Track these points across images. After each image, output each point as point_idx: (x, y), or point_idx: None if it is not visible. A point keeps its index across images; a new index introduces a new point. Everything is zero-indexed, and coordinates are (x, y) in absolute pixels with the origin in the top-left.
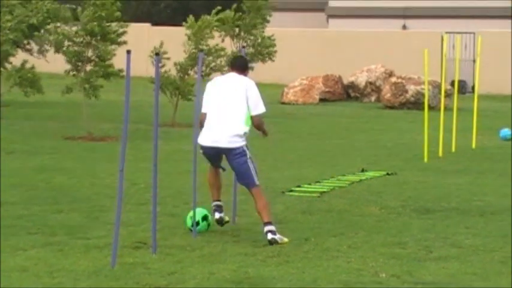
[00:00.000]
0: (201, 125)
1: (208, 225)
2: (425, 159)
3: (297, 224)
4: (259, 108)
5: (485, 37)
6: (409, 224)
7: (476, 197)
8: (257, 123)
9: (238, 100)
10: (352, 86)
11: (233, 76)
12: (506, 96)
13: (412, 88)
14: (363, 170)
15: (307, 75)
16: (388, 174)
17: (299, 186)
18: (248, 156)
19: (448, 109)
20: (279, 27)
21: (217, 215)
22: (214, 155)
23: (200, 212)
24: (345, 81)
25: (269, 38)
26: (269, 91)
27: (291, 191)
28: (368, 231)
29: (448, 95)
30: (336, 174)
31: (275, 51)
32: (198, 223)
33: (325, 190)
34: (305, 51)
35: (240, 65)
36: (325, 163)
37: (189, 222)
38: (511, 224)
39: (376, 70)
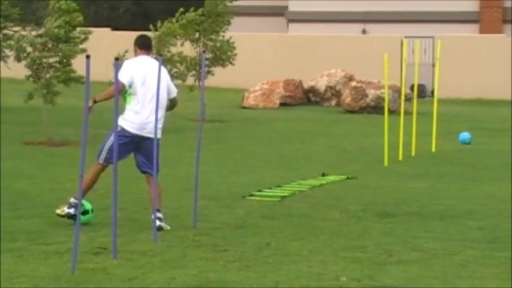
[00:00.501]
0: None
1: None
2: (386, 163)
3: (257, 229)
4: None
5: (444, 41)
6: (370, 228)
7: (436, 201)
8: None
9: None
10: (313, 90)
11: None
12: (465, 100)
13: (372, 92)
14: (323, 174)
15: (267, 80)
16: (348, 178)
17: (260, 191)
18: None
19: (408, 113)
20: (239, 31)
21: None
22: None
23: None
24: (306, 86)
25: (228, 42)
26: (230, 96)
27: (252, 195)
28: (329, 235)
29: (408, 99)
30: (297, 178)
31: (235, 55)
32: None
33: (285, 194)
34: (265, 56)
35: (150, 45)
36: (286, 167)
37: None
38: (471, 228)
39: (337, 74)
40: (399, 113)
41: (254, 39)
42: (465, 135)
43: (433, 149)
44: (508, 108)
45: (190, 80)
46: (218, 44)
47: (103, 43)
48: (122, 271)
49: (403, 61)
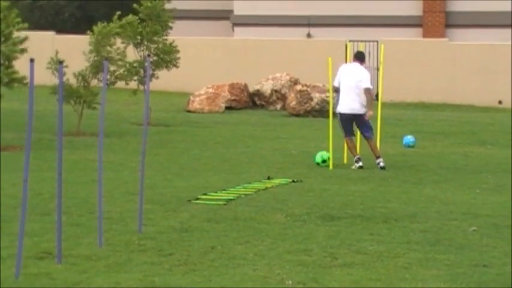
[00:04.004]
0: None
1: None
2: (330, 167)
3: (203, 232)
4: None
5: (388, 45)
6: (315, 231)
7: (380, 204)
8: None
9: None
10: (258, 94)
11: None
12: (409, 104)
13: (317, 96)
14: (268, 178)
15: (213, 84)
16: (293, 181)
17: (205, 194)
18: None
19: None
20: (185, 35)
21: (361, 163)
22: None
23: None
24: (251, 89)
25: (171, 44)
26: (175, 99)
27: (197, 199)
28: (274, 238)
29: None
30: (242, 182)
31: (178, 58)
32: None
33: (231, 198)
34: (211, 60)
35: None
36: (231, 171)
37: (318, 159)
38: (414, 230)
39: (282, 78)
40: None
41: (199, 43)
42: (409, 138)
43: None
44: (450, 111)
45: (134, 84)
46: (161, 46)
47: (47, 46)
48: (66, 276)
49: None
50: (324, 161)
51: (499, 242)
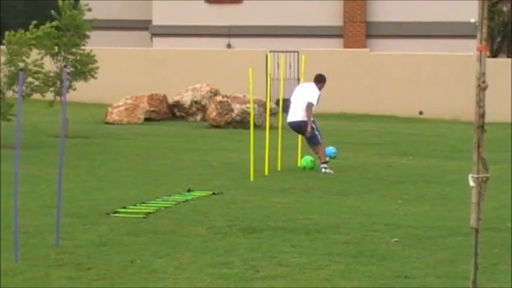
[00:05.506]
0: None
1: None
2: (252, 178)
3: (122, 246)
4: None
5: (309, 56)
6: (236, 244)
7: (302, 216)
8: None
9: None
10: (178, 105)
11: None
12: (331, 115)
13: (237, 107)
14: (189, 190)
15: (131, 95)
16: (214, 193)
17: (124, 207)
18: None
19: (274, 128)
20: (103, 45)
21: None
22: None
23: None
24: (170, 101)
25: (89, 55)
26: (93, 111)
27: (116, 212)
28: (194, 251)
29: (274, 113)
30: (162, 194)
31: (96, 68)
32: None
33: (150, 211)
34: (129, 70)
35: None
36: (151, 183)
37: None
38: (336, 242)
39: (202, 89)
40: (265, 128)
41: (118, 53)
42: (330, 149)
43: (299, 164)
44: (373, 122)
45: (50, 95)
46: (79, 57)
47: None
48: None
49: (268, 75)
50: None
51: (420, 253)
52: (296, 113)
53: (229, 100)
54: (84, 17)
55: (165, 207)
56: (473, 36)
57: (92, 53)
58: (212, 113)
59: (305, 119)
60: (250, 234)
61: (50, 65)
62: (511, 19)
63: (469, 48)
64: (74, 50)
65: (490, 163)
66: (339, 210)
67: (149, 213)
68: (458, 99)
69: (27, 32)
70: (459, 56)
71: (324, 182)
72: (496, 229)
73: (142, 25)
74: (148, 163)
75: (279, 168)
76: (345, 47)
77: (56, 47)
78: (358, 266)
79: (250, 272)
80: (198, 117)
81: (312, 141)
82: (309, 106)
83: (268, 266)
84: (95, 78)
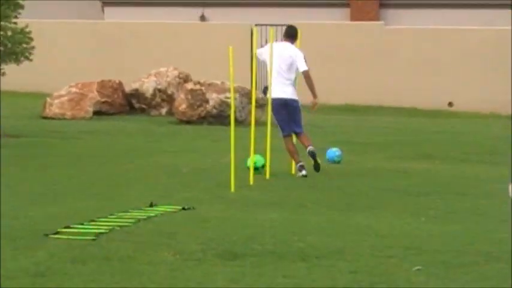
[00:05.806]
0: None
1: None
2: (232, 189)
3: (65, 277)
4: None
5: (307, 30)
6: (212, 274)
7: (296, 237)
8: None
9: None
10: (137, 94)
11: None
12: (335, 107)
13: (214, 97)
14: (151, 205)
15: (77, 81)
16: (184, 209)
17: (68, 227)
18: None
19: (261, 124)
20: (40, 18)
21: (304, 172)
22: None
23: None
24: (127, 89)
25: (22, 31)
26: (27, 102)
27: (57, 233)
28: (159, 283)
29: (261, 105)
30: (117, 210)
31: (32, 48)
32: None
33: (102, 231)
34: (74, 50)
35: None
36: (103, 196)
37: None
38: (341, 271)
39: (168, 74)
40: (249, 124)
41: (60, 27)
42: (333, 151)
43: (293, 170)
44: (386, 116)
45: None
46: (10, 33)
47: None
48: None
49: (253, 56)
50: (258, 168)
51: (448, 284)
52: (285, 92)
53: (203, 88)
54: None
55: (121, 227)
56: None
57: (27, 29)
58: (181, 104)
59: (296, 97)
60: (231, 261)
61: None
62: None
63: None
64: (3, 23)
65: None
66: (344, 230)
67: (100, 233)
68: (497, 87)
69: None
70: (499, 31)
71: (325, 193)
72: None
73: None
74: (99, 169)
75: (267, 176)
76: (352, 19)
77: None
78: None
79: None
80: (164, 110)
81: (301, 128)
82: (308, 75)
83: None
84: (30, 60)
